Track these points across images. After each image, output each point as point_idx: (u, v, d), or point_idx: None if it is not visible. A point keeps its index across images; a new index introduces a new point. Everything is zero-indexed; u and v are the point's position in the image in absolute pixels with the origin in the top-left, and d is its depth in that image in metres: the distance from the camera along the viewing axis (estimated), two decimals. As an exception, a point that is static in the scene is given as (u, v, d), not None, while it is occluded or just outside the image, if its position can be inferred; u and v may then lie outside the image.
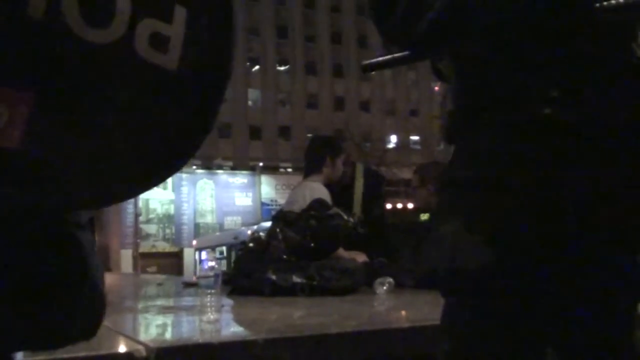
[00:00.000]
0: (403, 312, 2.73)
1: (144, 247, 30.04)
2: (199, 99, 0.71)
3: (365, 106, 39.33)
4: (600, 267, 1.01)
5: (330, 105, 38.34)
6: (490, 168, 1.02)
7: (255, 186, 35.52)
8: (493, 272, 0.99)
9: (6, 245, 0.69)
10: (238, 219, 33.73)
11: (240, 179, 35.63)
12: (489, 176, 1.02)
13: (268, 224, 3.70)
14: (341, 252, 3.36)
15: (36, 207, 0.65)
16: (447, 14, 0.97)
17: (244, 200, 35.28)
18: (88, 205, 0.72)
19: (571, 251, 0.99)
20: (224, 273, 3.55)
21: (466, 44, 1.04)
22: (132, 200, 24.97)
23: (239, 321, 2.44)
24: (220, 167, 35.58)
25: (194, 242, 31.84)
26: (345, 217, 3.22)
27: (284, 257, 3.04)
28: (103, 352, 1.51)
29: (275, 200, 31.62)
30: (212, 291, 3.35)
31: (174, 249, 33.46)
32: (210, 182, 34.95)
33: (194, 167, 33.50)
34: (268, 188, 35.16)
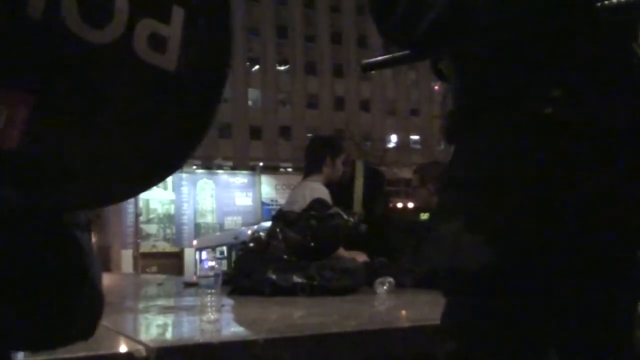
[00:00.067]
0: (403, 312, 2.73)
1: (145, 247, 30.04)
2: (197, 99, 0.71)
3: (365, 106, 39.33)
4: (601, 266, 1.01)
5: (331, 105, 38.34)
6: (491, 168, 1.02)
7: (255, 186, 35.53)
8: (494, 271, 0.99)
9: (6, 245, 0.69)
10: (238, 219, 33.74)
11: (241, 178, 35.64)
12: (489, 176, 1.02)
13: (268, 224, 3.70)
14: (341, 252, 3.36)
15: (36, 207, 0.65)
16: (447, 14, 0.97)
17: (244, 200, 35.29)
18: (88, 205, 0.72)
19: (571, 251, 0.99)
20: (224, 273, 3.55)
21: (466, 43, 1.04)
22: (132, 201, 24.98)
23: (239, 321, 2.44)
24: (220, 167, 35.59)
25: (195, 242, 31.85)
26: (346, 216, 3.22)
27: (284, 257, 3.04)
28: (103, 352, 1.51)
29: (276, 200, 31.62)
30: (213, 291, 3.35)
31: (175, 249, 33.47)
32: (211, 182, 34.96)
33: (194, 167, 33.51)
34: (268, 188, 35.17)
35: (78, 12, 0.62)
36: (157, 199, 32.98)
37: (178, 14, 0.68)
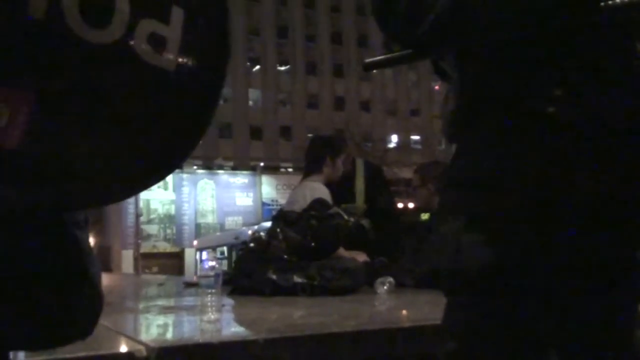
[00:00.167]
0: (404, 312, 2.73)
1: (145, 247, 30.03)
2: (196, 99, 0.71)
3: (365, 106, 39.33)
4: (601, 267, 1.01)
5: (331, 105, 38.34)
6: (491, 168, 1.02)
7: (256, 186, 35.53)
8: (494, 271, 0.99)
9: (6, 245, 0.69)
10: (239, 219, 33.74)
11: (241, 179, 35.64)
12: (490, 176, 1.02)
13: (269, 224, 3.70)
14: (342, 251, 3.36)
15: (36, 207, 0.65)
16: (448, 14, 0.97)
17: (244, 200, 35.29)
18: (88, 205, 0.72)
19: (571, 251, 0.99)
20: (224, 273, 3.56)
21: (467, 43, 1.04)
22: (133, 201, 24.98)
23: (239, 321, 2.44)
24: (221, 167, 35.59)
25: (195, 242, 31.84)
26: (346, 216, 3.22)
27: (285, 257, 3.04)
28: (104, 352, 1.51)
29: (276, 200, 31.63)
30: (213, 291, 3.35)
31: (175, 249, 33.47)
32: (211, 182, 34.96)
33: (195, 167, 33.52)
34: (269, 188, 35.17)
35: (79, 12, 0.63)
36: (157, 199, 32.99)
37: (177, 14, 0.68)
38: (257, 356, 1.64)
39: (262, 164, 35.93)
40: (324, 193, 3.58)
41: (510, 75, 1.02)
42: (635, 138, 0.99)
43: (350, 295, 2.91)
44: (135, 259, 25.15)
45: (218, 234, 30.91)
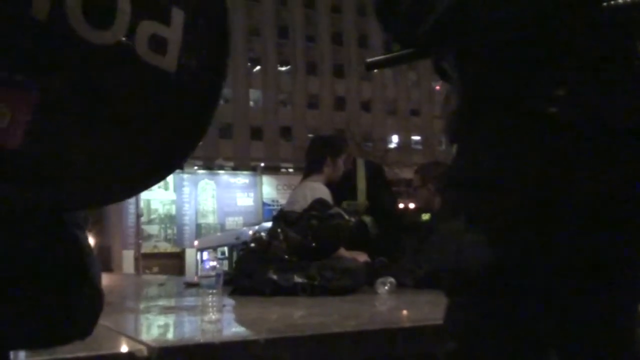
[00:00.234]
0: (404, 312, 2.73)
1: (146, 247, 30.02)
2: (197, 100, 0.72)
3: (366, 106, 39.32)
4: (601, 267, 1.01)
5: (331, 105, 38.33)
6: (492, 168, 1.02)
7: (256, 186, 35.53)
8: (495, 271, 1.00)
9: (6, 245, 0.69)
10: (239, 220, 33.73)
11: (242, 179, 35.64)
12: (490, 176, 1.02)
13: (269, 224, 3.70)
14: (342, 252, 3.36)
15: (36, 207, 0.65)
16: (449, 14, 0.97)
17: (245, 200, 35.28)
18: (88, 205, 0.72)
19: (572, 251, 0.99)
20: (225, 273, 3.56)
21: (468, 43, 1.04)
22: (133, 201, 24.97)
23: (240, 321, 2.44)
24: (221, 168, 35.59)
25: (196, 243, 31.84)
26: (347, 216, 3.22)
27: (285, 257, 3.04)
28: (104, 352, 1.51)
29: (277, 201, 31.62)
30: (214, 291, 3.35)
31: (176, 250, 33.47)
32: (212, 182, 34.96)
33: (196, 167, 33.52)
34: (269, 188, 35.16)
35: (82, 13, 0.63)
36: (158, 199, 32.99)
37: (178, 16, 0.68)
38: (258, 356, 1.64)
39: (262, 164, 35.93)
40: (324, 193, 3.58)
41: (511, 75, 1.02)
42: (635, 138, 0.99)
43: (351, 295, 2.91)
44: (136, 259, 25.14)
45: (219, 234, 30.91)
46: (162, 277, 8.36)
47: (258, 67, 37.70)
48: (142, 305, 3.28)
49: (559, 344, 1.07)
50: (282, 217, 3.36)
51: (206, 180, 34.79)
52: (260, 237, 3.31)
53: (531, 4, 0.96)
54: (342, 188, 3.84)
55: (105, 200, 0.71)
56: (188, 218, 34.12)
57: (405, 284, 3.16)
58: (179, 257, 32.81)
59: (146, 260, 27.25)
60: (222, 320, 2.41)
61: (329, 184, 3.75)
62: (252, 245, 3.33)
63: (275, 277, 2.92)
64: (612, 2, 0.93)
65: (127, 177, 0.70)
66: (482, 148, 1.04)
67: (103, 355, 1.49)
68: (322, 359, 1.75)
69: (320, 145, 3.97)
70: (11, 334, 0.73)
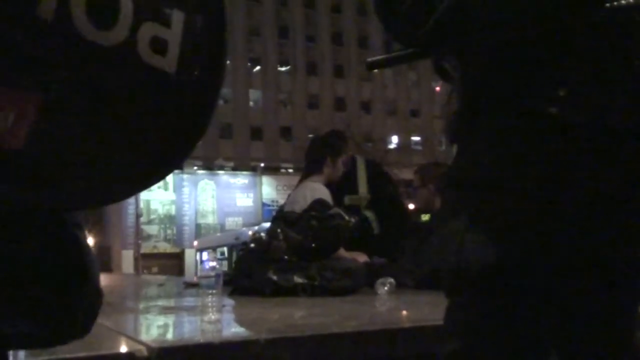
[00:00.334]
0: (404, 313, 2.73)
1: (146, 247, 30.03)
2: (196, 100, 0.72)
3: (366, 106, 39.33)
4: (601, 267, 1.01)
5: (331, 105, 38.33)
6: (493, 168, 1.02)
7: (256, 187, 35.54)
8: (495, 272, 1.00)
9: (6, 245, 0.69)
10: (239, 220, 33.75)
11: (242, 179, 35.65)
12: (491, 176, 1.02)
13: (269, 224, 3.70)
14: (342, 252, 3.36)
15: (36, 206, 0.65)
16: (450, 13, 0.97)
17: (245, 200, 35.29)
18: (88, 205, 0.72)
19: (572, 251, 0.99)
20: (225, 273, 3.56)
21: (469, 43, 1.04)
22: (133, 201, 24.98)
23: (240, 321, 2.44)
24: (221, 168, 35.60)
25: (195, 243, 31.85)
26: (347, 217, 3.22)
27: (285, 257, 3.05)
28: (104, 352, 1.51)
29: (277, 201, 31.62)
30: (213, 291, 3.35)
31: (175, 250, 33.48)
32: (212, 182, 34.97)
33: (195, 167, 33.53)
34: (269, 189, 35.17)
35: (86, 14, 0.63)
36: (157, 199, 33.00)
37: (178, 17, 0.69)
38: (258, 356, 1.64)
39: (262, 164, 35.94)
40: (324, 193, 3.58)
41: (511, 76, 1.02)
42: (636, 138, 0.99)
43: (351, 295, 2.91)
44: (136, 260, 25.15)
45: (218, 234, 30.92)
46: (161, 277, 8.36)
47: (258, 67, 37.71)
48: (141, 306, 3.28)
49: (559, 344, 1.07)
50: (282, 218, 3.36)
51: (206, 180, 34.80)
52: (260, 237, 3.32)
53: (531, 4, 0.96)
54: (342, 187, 3.84)
55: (105, 200, 0.71)
56: (188, 218, 34.13)
57: (405, 285, 3.16)
58: (179, 257, 32.82)
59: (146, 261, 27.26)
60: (222, 321, 2.41)
61: (328, 184, 3.75)
62: (252, 245, 3.33)
63: (275, 277, 2.92)
64: (615, 3, 0.93)
65: (127, 177, 0.70)
66: (482, 148, 1.04)
67: (103, 355, 1.49)
68: (322, 359, 1.75)
69: (320, 146, 3.97)
70: (11, 333, 0.73)
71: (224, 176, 35.51)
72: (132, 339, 1.73)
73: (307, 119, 36.89)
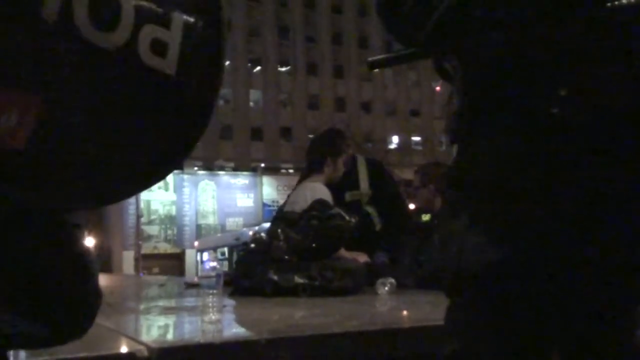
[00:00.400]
0: (404, 313, 2.73)
1: (146, 248, 30.05)
2: (195, 101, 0.73)
3: (366, 107, 39.34)
4: (602, 267, 1.01)
5: (332, 106, 38.33)
6: (494, 168, 1.02)
7: (256, 187, 35.57)
8: (496, 272, 1.00)
9: (7, 246, 0.69)
10: (240, 220, 33.77)
11: (242, 180, 35.67)
12: (492, 176, 1.02)
13: (270, 224, 3.71)
14: (343, 252, 3.36)
15: (37, 206, 0.66)
16: (452, 13, 0.97)
17: (245, 201, 35.32)
18: (88, 205, 0.72)
19: (573, 251, 0.99)
20: (225, 274, 3.56)
21: (470, 42, 1.04)
22: (133, 202, 25.00)
23: (240, 321, 2.44)
24: (221, 168, 35.62)
25: (196, 244, 31.88)
26: (347, 217, 3.22)
27: (286, 257, 3.05)
28: (105, 352, 1.51)
29: (277, 201, 31.63)
30: (214, 292, 3.36)
31: (176, 250, 33.50)
32: (212, 183, 34.99)
33: (196, 168, 33.55)
34: (270, 189, 35.20)
35: (88, 17, 0.63)
36: (158, 200, 33.03)
37: (177, 20, 0.70)
38: (258, 356, 1.64)
39: (262, 164, 35.96)
40: (324, 193, 3.58)
41: (511, 76, 1.02)
42: (636, 138, 0.99)
43: (351, 295, 2.91)
44: (136, 260, 25.17)
45: (219, 235, 30.96)
46: (162, 278, 8.36)
47: (258, 68, 37.73)
48: (142, 306, 3.28)
49: (560, 344, 1.07)
50: (282, 218, 3.36)
51: (206, 181, 34.83)
52: (261, 237, 3.32)
53: (531, 4, 0.96)
54: (343, 185, 3.84)
55: (105, 200, 0.72)
56: (188, 219, 34.15)
57: (405, 285, 3.16)
58: (179, 258, 32.84)
59: (146, 261, 27.28)
60: (223, 321, 2.41)
61: (329, 184, 3.75)
62: (253, 245, 3.33)
63: (275, 277, 2.92)
64: (616, 2, 0.93)
65: (127, 177, 0.70)
66: (482, 148, 1.04)
67: (103, 355, 1.49)
68: (323, 359, 1.75)
69: (321, 146, 3.98)
70: (11, 333, 0.73)
71: (224, 177, 35.53)
72: (133, 339, 1.73)
73: (307, 119, 36.90)
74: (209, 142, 31.38)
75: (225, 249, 25.44)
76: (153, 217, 33.36)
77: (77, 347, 0.79)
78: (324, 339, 1.77)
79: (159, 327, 2.31)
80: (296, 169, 29.79)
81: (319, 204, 3.32)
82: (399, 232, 3.77)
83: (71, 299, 0.75)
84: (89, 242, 0.80)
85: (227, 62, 34.68)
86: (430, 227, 3.48)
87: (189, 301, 3.34)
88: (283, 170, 35.86)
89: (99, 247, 28.08)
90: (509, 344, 1.02)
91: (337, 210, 3.26)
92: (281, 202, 4.15)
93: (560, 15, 0.96)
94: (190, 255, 32.32)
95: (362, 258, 3.51)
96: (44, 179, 0.65)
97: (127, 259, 29.40)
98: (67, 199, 0.68)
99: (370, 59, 1.14)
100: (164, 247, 33.64)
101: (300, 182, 3.97)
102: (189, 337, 2.12)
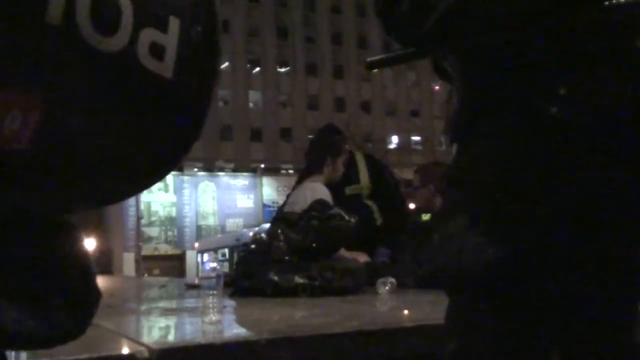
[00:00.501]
0: (405, 312, 2.73)
1: (147, 249, 30.07)
2: (192, 102, 0.74)
3: (366, 107, 39.35)
4: (602, 266, 1.01)
5: (331, 106, 38.35)
6: (494, 168, 1.02)
7: (256, 188, 35.58)
8: (497, 271, 1.00)
9: (7, 246, 0.70)
10: (240, 221, 33.80)
11: (242, 180, 35.69)
12: (492, 176, 1.02)
13: (270, 225, 3.71)
14: (343, 252, 3.37)
15: (37, 207, 0.66)
16: (451, 13, 0.98)
17: (245, 202, 35.35)
18: (89, 205, 0.73)
19: (574, 251, 0.99)
20: (225, 274, 3.57)
21: (469, 42, 1.04)
22: (133, 203, 25.03)
23: (241, 322, 2.45)
24: (221, 169, 35.64)
25: (196, 245, 31.91)
26: (347, 217, 3.22)
27: (286, 257, 3.05)
28: (106, 353, 1.51)
29: (277, 202, 31.61)
30: (214, 292, 3.36)
31: (176, 252, 33.52)
32: (212, 184, 35.01)
33: (196, 169, 33.57)
34: (270, 190, 35.22)
35: (90, 19, 0.64)
36: (158, 201, 33.05)
37: (174, 23, 0.71)
38: (259, 357, 1.64)
39: (262, 165, 35.97)
40: (324, 194, 3.59)
41: (511, 75, 1.02)
42: (636, 138, 0.99)
43: (352, 295, 2.92)
44: (137, 262, 25.17)
45: (219, 236, 30.98)
46: (162, 279, 8.37)
47: (257, 69, 37.74)
48: (143, 307, 3.28)
49: (560, 344, 1.07)
50: (282, 218, 3.36)
51: (206, 182, 34.85)
52: (261, 238, 3.32)
53: (531, 4, 0.96)
54: (342, 182, 3.85)
55: (106, 200, 0.72)
56: (188, 220, 34.17)
57: (406, 284, 3.16)
58: (180, 259, 32.87)
59: (147, 263, 27.28)
60: (223, 321, 2.41)
61: (328, 185, 3.75)
62: (253, 246, 3.33)
63: (276, 278, 2.93)
64: (614, 1, 0.93)
65: (128, 177, 0.71)
66: (482, 148, 1.05)
67: (104, 357, 1.49)
68: (323, 359, 1.75)
69: (321, 145, 3.98)
70: (11, 333, 0.73)
71: (224, 177, 35.55)
72: (134, 340, 1.74)
73: (307, 120, 36.89)
74: (209, 143, 31.39)
75: (226, 250, 25.46)
76: (153, 218, 33.38)
77: (78, 348, 0.79)
78: (324, 339, 1.77)
79: (160, 328, 2.31)
80: (296, 170, 29.76)
81: (319, 204, 3.32)
82: (398, 230, 3.77)
83: (71, 299, 0.75)
84: (90, 244, 0.81)
85: (227, 63, 34.77)
86: (430, 226, 3.48)
87: (190, 302, 3.34)
88: (283, 171, 35.87)
89: (99, 249, 28.09)
90: (509, 344, 1.02)
91: (337, 210, 3.26)
92: (281, 202, 4.15)
93: (560, 16, 0.96)
94: (190, 257, 32.33)
95: (362, 258, 3.52)
96: (44, 180, 0.65)
97: (128, 260, 29.40)
98: (67, 199, 0.68)
99: (369, 59, 1.14)
100: (165, 249, 33.66)
101: (299, 182, 3.98)
102: (189, 337, 2.12)
